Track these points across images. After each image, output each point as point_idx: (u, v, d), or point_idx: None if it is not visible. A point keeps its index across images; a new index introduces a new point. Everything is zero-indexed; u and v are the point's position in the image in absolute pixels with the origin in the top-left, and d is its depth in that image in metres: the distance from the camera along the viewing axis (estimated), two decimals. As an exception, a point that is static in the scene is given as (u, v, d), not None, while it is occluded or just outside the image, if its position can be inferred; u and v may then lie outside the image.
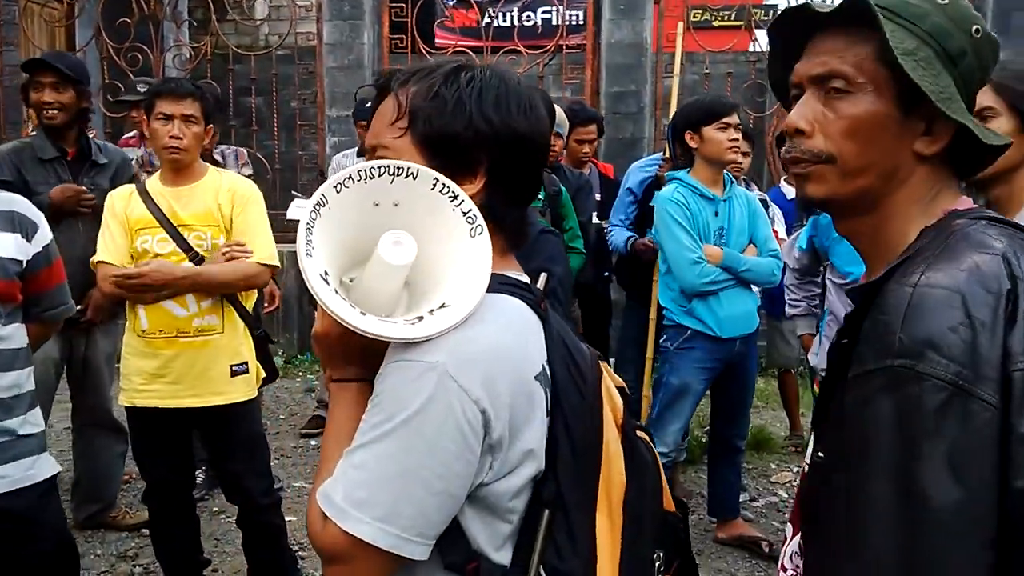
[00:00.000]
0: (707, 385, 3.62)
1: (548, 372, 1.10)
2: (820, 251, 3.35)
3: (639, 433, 1.25)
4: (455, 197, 1.08)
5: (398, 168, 1.07)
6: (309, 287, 1.03)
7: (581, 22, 7.54)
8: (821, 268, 3.52)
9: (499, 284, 1.11)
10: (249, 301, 2.98)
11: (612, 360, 4.68)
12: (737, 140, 3.41)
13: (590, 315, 4.89)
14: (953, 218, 1.01)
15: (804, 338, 3.78)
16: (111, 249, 2.80)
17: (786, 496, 4.31)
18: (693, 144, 3.43)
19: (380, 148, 1.15)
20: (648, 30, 6.56)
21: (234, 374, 2.84)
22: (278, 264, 2.95)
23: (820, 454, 1.01)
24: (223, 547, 3.69)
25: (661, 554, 1.19)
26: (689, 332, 3.50)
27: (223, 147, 4.44)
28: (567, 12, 7.09)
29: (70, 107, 3.46)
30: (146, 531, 3.43)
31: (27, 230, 2.25)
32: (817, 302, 3.61)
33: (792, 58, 1.09)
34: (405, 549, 1.01)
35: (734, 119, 3.39)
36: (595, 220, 4.53)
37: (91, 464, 3.78)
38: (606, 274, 4.84)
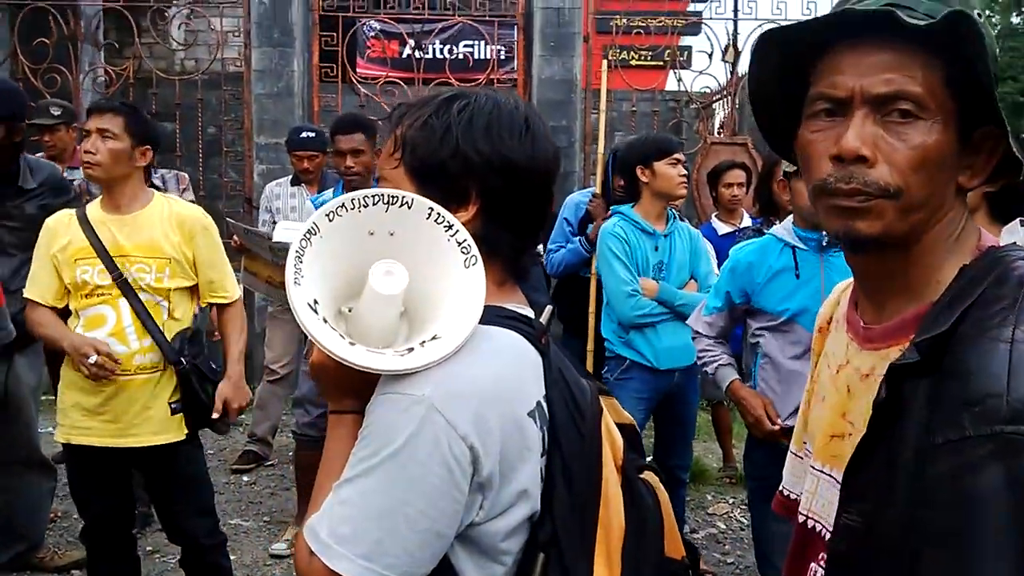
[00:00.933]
0: (646, 416, 3.68)
1: (545, 409, 1.09)
2: (740, 301, 2.95)
3: (646, 473, 1.24)
4: (450, 227, 1.08)
5: (393, 197, 1.07)
6: (296, 317, 1.02)
7: (504, 56, 7.65)
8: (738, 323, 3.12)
9: (497, 317, 1.10)
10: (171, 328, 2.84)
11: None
12: (686, 175, 3.53)
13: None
14: (996, 256, 0.94)
15: (733, 385, 3.02)
16: (39, 286, 2.72)
17: (724, 527, 4.41)
18: (644, 179, 3.52)
19: (381, 179, 1.17)
20: (578, 67, 6.70)
21: (173, 412, 2.75)
22: (239, 296, 2.92)
23: (855, 517, 0.92)
24: (157, 588, 3.55)
25: None
26: (627, 363, 3.57)
27: (163, 171, 4.32)
28: (494, 47, 7.20)
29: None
30: (75, 572, 3.28)
31: None
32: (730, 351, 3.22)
33: (791, 72, 1.01)
34: None
35: (681, 156, 3.52)
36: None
37: (15, 501, 3.57)
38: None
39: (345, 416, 1.11)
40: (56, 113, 4.98)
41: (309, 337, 1.02)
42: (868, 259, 0.98)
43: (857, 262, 1.01)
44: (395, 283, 1.05)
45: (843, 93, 0.93)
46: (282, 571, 3.82)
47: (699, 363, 3.09)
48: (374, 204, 1.06)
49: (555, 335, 4.09)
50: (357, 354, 1.01)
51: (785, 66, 1.01)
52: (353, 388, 1.08)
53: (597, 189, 4.25)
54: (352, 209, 1.06)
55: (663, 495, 1.24)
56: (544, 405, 1.09)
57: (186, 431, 2.79)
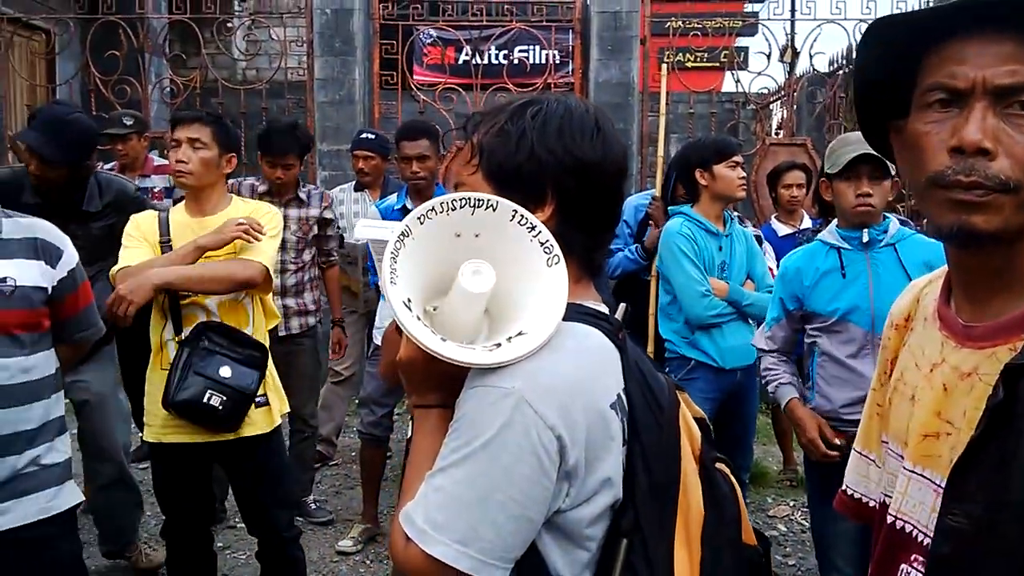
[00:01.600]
0: (711, 415, 3.68)
1: (625, 401, 1.13)
2: (794, 307, 2.90)
3: (718, 465, 1.27)
4: (533, 228, 1.12)
5: (479, 200, 1.12)
6: (394, 314, 1.08)
7: (558, 61, 7.70)
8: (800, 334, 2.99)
9: (576, 313, 1.15)
10: (257, 327, 2.93)
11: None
12: (744, 178, 3.54)
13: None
14: None
15: (791, 404, 2.91)
16: (134, 257, 2.79)
17: (785, 530, 4.39)
18: (703, 181, 3.54)
19: (459, 185, 1.22)
20: (635, 70, 6.72)
21: (258, 405, 2.85)
22: (272, 277, 2.90)
23: (961, 519, 0.92)
24: (231, 582, 3.67)
25: None
26: (692, 363, 3.58)
27: (309, 186, 4.41)
28: (551, 52, 7.25)
29: (60, 181, 3.24)
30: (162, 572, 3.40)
31: (51, 256, 2.25)
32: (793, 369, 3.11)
33: (900, 61, 0.99)
34: (484, 571, 1.03)
35: (740, 158, 3.54)
36: None
37: (105, 522, 3.63)
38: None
39: (431, 410, 1.16)
40: (128, 123, 5.16)
41: (406, 333, 1.08)
42: (975, 255, 0.97)
43: (962, 258, 1.00)
44: (483, 282, 1.10)
45: (963, 84, 0.91)
46: (348, 568, 3.91)
47: (763, 381, 3.08)
48: (461, 207, 1.11)
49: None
50: (450, 349, 1.06)
51: (887, 56, 1.00)
52: (439, 383, 1.14)
53: (657, 192, 4.26)
54: (441, 212, 1.11)
55: (734, 485, 1.28)
56: (623, 398, 1.14)
57: (267, 424, 2.88)
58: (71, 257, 2.32)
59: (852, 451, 1.29)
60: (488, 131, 1.21)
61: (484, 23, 6.89)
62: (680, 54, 7.00)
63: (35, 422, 2.18)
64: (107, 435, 3.49)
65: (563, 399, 1.05)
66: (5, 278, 2.13)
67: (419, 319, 1.09)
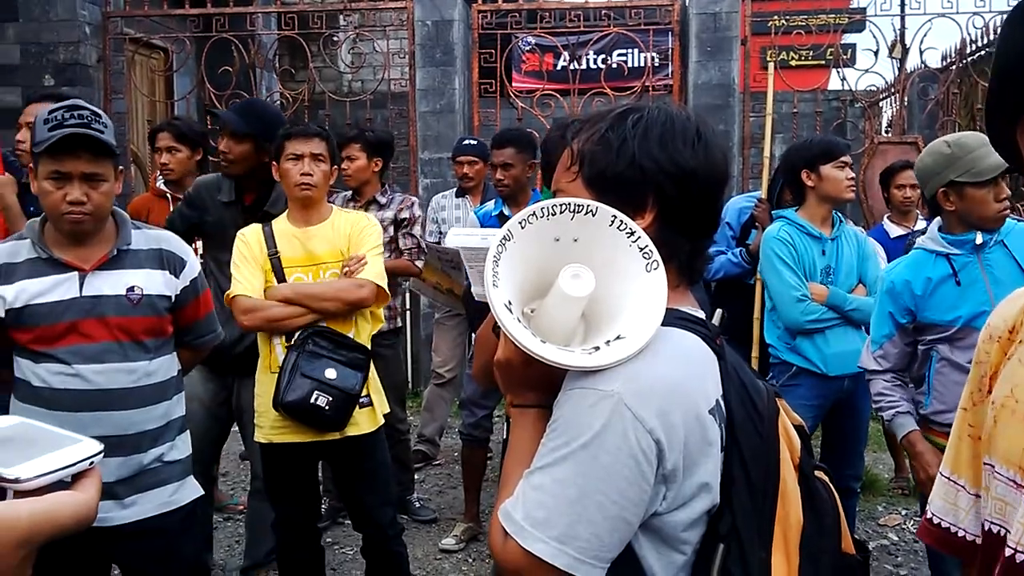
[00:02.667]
0: (815, 423, 3.60)
1: (723, 407, 1.13)
2: (906, 321, 2.78)
3: (817, 473, 1.26)
4: (632, 233, 1.13)
5: (578, 206, 1.14)
6: (495, 316, 1.11)
7: (659, 63, 7.65)
8: (914, 352, 2.86)
9: (675, 319, 1.16)
10: (361, 331, 3.01)
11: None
12: (853, 178, 3.45)
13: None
14: None
15: (911, 436, 2.78)
16: (246, 285, 2.91)
17: (896, 539, 4.25)
18: (810, 183, 3.47)
19: (558, 191, 1.25)
20: (736, 70, 6.62)
21: (362, 406, 2.94)
22: (384, 286, 2.96)
23: None
24: (339, 577, 3.79)
25: None
26: (794, 369, 3.51)
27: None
28: (648, 54, 7.21)
29: (244, 159, 3.32)
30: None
31: (175, 266, 2.37)
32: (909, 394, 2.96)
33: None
34: (580, 570, 1.05)
35: (848, 158, 3.45)
36: None
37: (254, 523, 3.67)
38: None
39: (528, 410, 1.19)
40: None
41: (507, 335, 1.11)
42: None
43: None
44: (583, 286, 1.12)
45: None
46: (451, 565, 3.99)
47: (875, 407, 2.95)
48: (561, 212, 1.14)
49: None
50: (549, 351, 1.09)
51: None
52: (536, 384, 1.16)
53: (763, 194, 4.18)
54: (541, 217, 1.14)
55: (832, 494, 1.26)
56: (722, 404, 1.14)
57: (371, 424, 2.98)
58: (193, 267, 2.45)
59: (939, 475, 1.23)
60: (589, 138, 1.23)
61: (581, 29, 6.91)
62: (783, 53, 6.85)
63: (159, 421, 2.32)
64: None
65: (662, 403, 1.06)
66: (133, 287, 2.27)
67: (519, 321, 1.12)
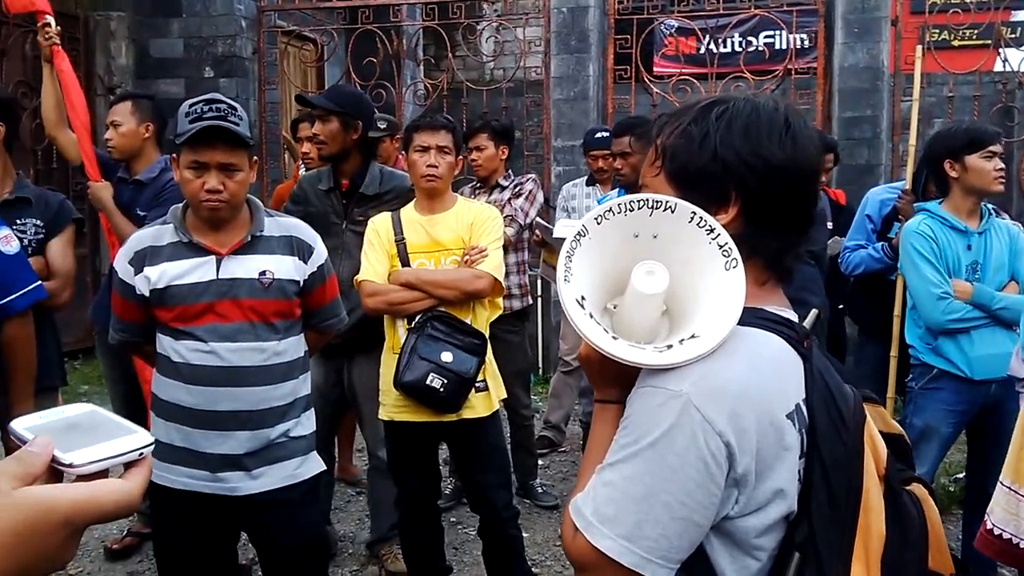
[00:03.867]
0: (957, 429, 3.40)
1: (805, 412, 1.10)
2: None
3: (914, 486, 1.20)
4: (711, 230, 1.11)
5: (657, 202, 1.12)
6: (565, 311, 1.11)
7: (807, 45, 7.35)
8: None
9: (757, 319, 1.13)
10: (478, 317, 3.08)
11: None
12: (1003, 169, 3.23)
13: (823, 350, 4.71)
14: None
15: None
16: (372, 269, 3.04)
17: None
18: (953, 173, 3.27)
19: (643, 187, 1.23)
20: (885, 52, 6.29)
21: (478, 390, 3.02)
22: (501, 279, 3.02)
23: None
24: (461, 556, 3.90)
25: None
26: (935, 372, 3.33)
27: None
28: (793, 36, 6.95)
29: (334, 138, 3.40)
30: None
31: (304, 252, 2.49)
32: None
33: None
34: (647, 569, 1.04)
35: (998, 147, 3.22)
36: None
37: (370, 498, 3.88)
38: (839, 307, 4.67)
39: (609, 405, 1.18)
40: (382, 127, 5.57)
41: (576, 330, 1.11)
42: None
43: None
44: (656, 283, 1.10)
45: None
46: (572, 552, 4.01)
47: None
48: (639, 208, 1.12)
49: (851, 337, 3.90)
50: (618, 347, 1.08)
51: None
52: (617, 380, 1.15)
53: (908, 184, 3.96)
54: (619, 213, 1.13)
55: (930, 509, 1.20)
56: (803, 409, 1.10)
57: (487, 408, 3.05)
58: (321, 253, 2.56)
59: (999, 484, 1.16)
60: (672, 132, 1.21)
61: (720, 11, 6.73)
62: (944, 32, 6.46)
63: (286, 399, 2.45)
64: (367, 421, 3.64)
65: (733, 405, 1.04)
66: (265, 271, 2.40)
67: (591, 316, 1.12)
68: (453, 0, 7.30)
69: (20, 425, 0.75)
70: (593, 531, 1.07)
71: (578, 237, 1.14)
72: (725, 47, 7.52)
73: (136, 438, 0.76)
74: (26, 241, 3.01)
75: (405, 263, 3.06)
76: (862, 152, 6.28)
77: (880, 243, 3.92)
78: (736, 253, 1.10)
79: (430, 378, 2.90)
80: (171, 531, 2.49)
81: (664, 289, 1.11)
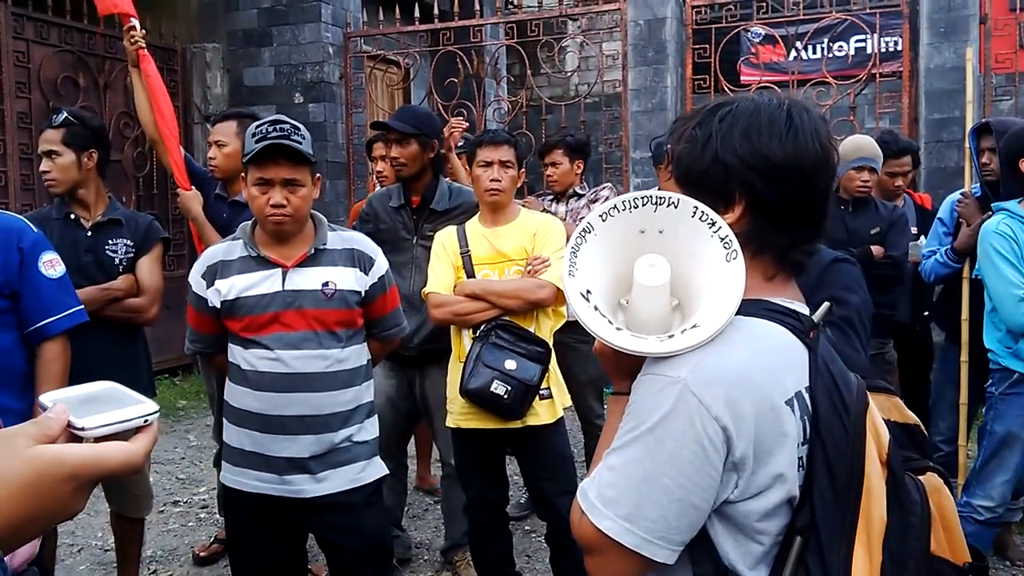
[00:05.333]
0: (1041, 436, 3.27)
1: (808, 400, 1.12)
2: None
3: (928, 475, 1.20)
4: (713, 224, 1.14)
5: (660, 198, 1.16)
6: (570, 304, 1.16)
7: (894, 49, 7.17)
8: None
9: (761, 310, 1.16)
10: (542, 325, 3.12)
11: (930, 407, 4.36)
12: None
13: (908, 357, 4.59)
14: None
15: None
16: (438, 281, 3.14)
17: None
18: None
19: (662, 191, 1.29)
20: (974, 52, 6.08)
21: (542, 398, 3.07)
22: (563, 288, 3.05)
23: None
24: (533, 564, 3.93)
25: None
26: (1016, 376, 3.22)
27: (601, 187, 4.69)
28: (881, 39, 6.78)
29: (414, 159, 3.48)
30: None
31: (365, 264, 2.58)
32: None
33: None
34: (647, 550, 1.08)
35: None
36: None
37: (443, 505, 3.98)
38: (925, 313, 4.53)
39: (623, 397, 1.21)
40: (460, 144, 5.72)
41: (581, 323, 1.15)
42: None
43: None
44: (658, 275, 1.14)
45: None
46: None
47: None
48: (643, 205, 1.17)
49: (937, 344, 3.77)
50: (621, 338, 1.13)
51: None
52: (631, 373, 1.19)
53: (967, 187, 3.84)
54: (624, 210, 1.17)
55: (942, 497, 1.20)
56: (805, 396, 1.12)
57: (551, 416, 3.09)
58: (381, 265, 2.66)
59: None
60: (680, 137, 1.25)
61: (801, 17, 6.63)
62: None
63: (349, 405, 2.54)
64: (439, 430, 3.68)
65: (730, 391, 1.07)
66: (327, 282, 2.51)
67: (597, 309, 1.16)
68: (530, 19, 7.41)
69: (46, 398, 0.85)
70: (596, 513, 1.11)
71: (583, 233, 1.19)
72: (815, 53, 7.40)
73: (143, 407, 0.85)
74: (117, 260, 3.22)
75: (470, 274, 3.14)
76: (951, 155, 6.07)
77: (947, 248, 3.81)
78: (736, 245, 1.13)
79: (494, 385, 2.96)
80: (243, 532, 2.62)
81: (666, 281, 1.14)
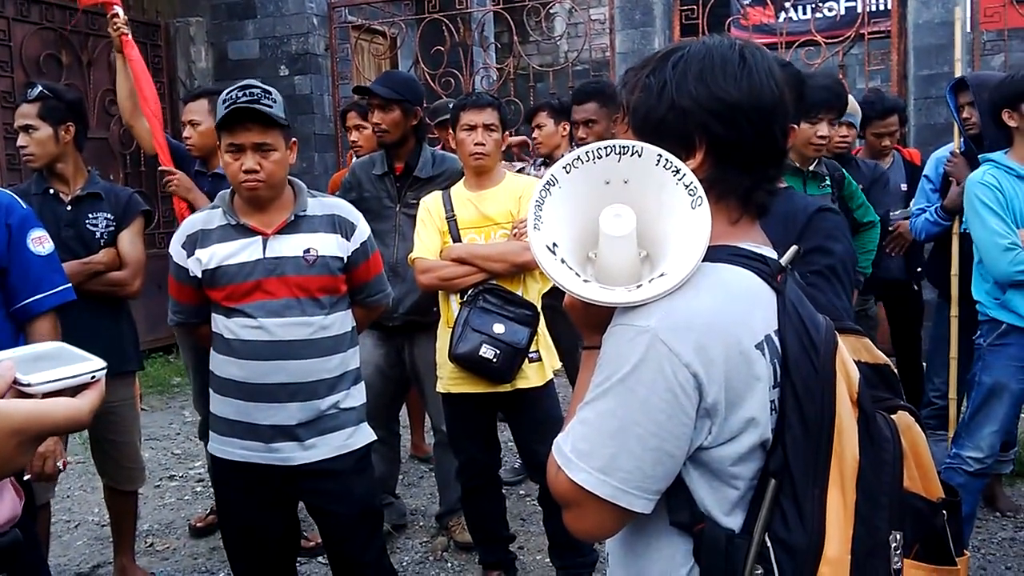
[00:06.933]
0: (1029, 387, 3.27)
1: (777, 343, 1.11)
2: None
3: (899, 413, 1.19)
4: (677, 171, 1.12)
5: (623, 147, 1.13)
6: (535, 257, 1.14)
7: (883, 8, 7.11)
8: None
9: (728, 255, 1.15)
10: (529, 289, 3.12)
11: (924, 363, 4.38)
12: None
13: (900, 314, 4.60)
14: None
15: None
16: (424, 246, 3.12)
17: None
18: (1012, 122, 3.14)
19: None
20: (964, 6, 6.02)
21: (531, 360, 3.07)
22: None
23: None
24: (528, 526, 3.95)
25: (899, 536, 1.12)
26: (1004, 327, 3.20)
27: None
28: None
29: (396, 126, 3.48)
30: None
31: (346, 230, 2.56)
32: None
33: None
34: (623, 500, 1.08)
35: None
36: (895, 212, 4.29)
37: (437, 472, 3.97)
38: (918, 270, 4.52)
39: (595, 351, 1.20)
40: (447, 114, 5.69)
41: (548, 277, 1.14)
42: None
43: None
44: (623, 225, 1.12)
45: None
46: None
47: None
48: (607, 155, 1.14)
49: (930, 301, 3.77)
50: (589, 289, 1.11)
51: None
52: (600, 327, 1.17)
53: (955, 146, 3.81)
54: (587, 161, 1.15)
55: (914, 434, 1.20)
56: (775, 339, 1.12)
57: (540, 378, 3.09)
58: (363, 231, 2.63)
59: None
60: (634, 87, 1.23)
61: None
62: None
63: (335, 372, 2.53)
64: (430, 398, 3.69)
65: (699, 337, 1.06)
66: (309, 249, 2.49)
67: (564, 263, 1.14)
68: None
69: None
70: (571, 466, 1.10)
71: (547, 186, 1.16)
72: (805, 14, 7.33)
73: (90, 364, 0.85)
74: (98, 234, 3.20)
75: (456, 239, 3.12)
76: (940, 111, 6.03)
77: (936, 206, 3.80)
78: (701, 192, 1.11)
79: (483, 349, 2.96)
80: (232, 501, 2.62)
81: (632, 231, 1.13)
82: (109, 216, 3.23)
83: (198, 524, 4.01)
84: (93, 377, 0.83)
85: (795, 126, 2.96)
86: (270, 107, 2.36)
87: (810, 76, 2.83)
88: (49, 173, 3.19)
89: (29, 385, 0.80)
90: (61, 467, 2.59)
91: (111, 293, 3.21)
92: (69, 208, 3.18)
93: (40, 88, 3.14)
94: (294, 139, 2.51)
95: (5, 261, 2.43)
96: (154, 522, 4.18)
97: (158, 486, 4.67)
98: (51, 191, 3.18)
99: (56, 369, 0.82)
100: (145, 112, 3.70)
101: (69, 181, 3.21)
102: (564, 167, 1.16)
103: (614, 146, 1.14)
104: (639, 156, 1.14)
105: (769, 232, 1.27)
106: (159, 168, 3.75)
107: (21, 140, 3.12)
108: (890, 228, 4.28)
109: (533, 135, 4.43)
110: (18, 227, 2.46)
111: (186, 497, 4.53)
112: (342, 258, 2.54)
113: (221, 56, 7.95)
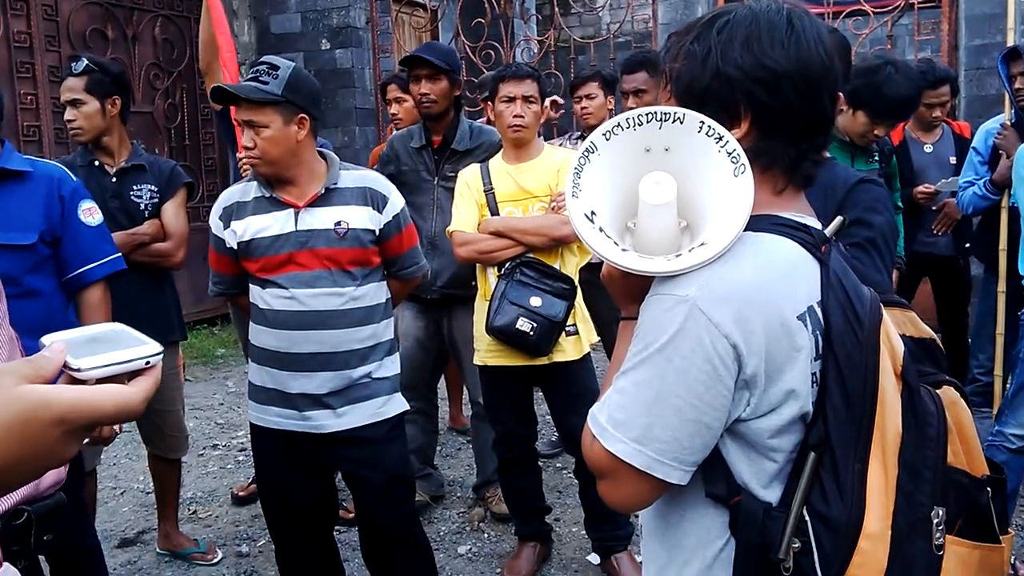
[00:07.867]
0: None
1: (820, 314, 1.09)
2: None
3: (944, 388, 1.16)
4: (720, 138, 1.09)
5: (665, 114, 1.11)
6: (573, 226, 1.12)
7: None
8: None
9: (771, 224, 1.12)
10: (567, 263, 3.10)
11: (970, 339, 4.29)
12: None
13: (946, 291, 4.51)
14: None
15: None
16: (462, 219, 3.12)
17: None
18: None
19: None
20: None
21: (568, 335, 3.06)
22: None
23: None
24: (564, 499, 3.97)
25: (942, 511, 1.09)
26: (1050, 303, 3.14)
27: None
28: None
29: (444, 96, 3.50)
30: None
31: (378, 203, 2.56)
32: None
33: None
34: (659, 471, 1.06)
35: None
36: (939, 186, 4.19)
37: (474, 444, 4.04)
38: (967, 246, 4.42)
39: (632, 322, 1.18)
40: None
41: (586, 245, 1.12)
42: None
43: None
44: (664, 192, 1.10)
45: None
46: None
47: None
48: (648, 122, 1.11)
49: (977, 276, 3.73)
50: (627, 258, 1.09)
51: None
52: (639, 296, 1.15)
53: (1006, 118, 3.69)
54: (628, 128, 1.12)
55: (959, 410, 1.16)
56: (818, 310, 1.09)
57: (577, 352, 3.08)
58: (396, 204, 2.62)
59: None
60: (677, 54, 1.19)
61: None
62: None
63: (367, 342, 2.55)
64: (467, 371, 3.71)
65: (739, 308, 1.04)
66: (340, 221, 2.50)
67: (602, 231, 1.12)
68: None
69: (48, 338, 0.79)
70: (607, 436, 1.09)
71: (587, 153, 1.14)
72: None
73: (145, 348, 0.80)
74: (143, 205, 3.24)
75: (494, 212, 3.11)
76: (992, 81, 5.85)
77: (984, 179, 3.70)
78: (744, 159, 1.09)
79: (520, 322, 2.96)
80: (269, 467, 2.66)
81: (672, 199, 1.10)
82: (153, 188, 3.28)
83: (240, 492, 4.08)
84: (148, 363, 0.79)
85: (851, 111, 2.89)
86: (265, 84, 2.36)
87: (892, 80, 2.69)
88: (95, 146, 3.23)
89: (79, 370, 0.75)
90: (117, 430, 2.65)
91: (155, 264, 3.26)
92: (114, 180, 3.23)
93: (85, 61, 3.17)
94: (303, 115, 2.43)
95: (60, 231, 2.48)
96: (197, 490, 4.27)
97: (201, 455, 4.76)
98: (96, 163, 3.23)
99: (109, 353, 0.77)
100: (222, 59, 3.60)
101: (114, 153, 3.26)
102: (603, 134, 1.14)
103: (655, 112, 1.12)
104: (681, 123, 1.11)
105: (808, 203, 1.24)
106: (238, 157, 3.69)
107: (68, 114, 3.16)
108: (933, 208, 4.19)
109: (580, 105, 4.34)
110: (70, 199, 2.51)
111: (229, 466, 4.61)
112: (374, 231, 2.55)
113: (263, 30, 7.99)
